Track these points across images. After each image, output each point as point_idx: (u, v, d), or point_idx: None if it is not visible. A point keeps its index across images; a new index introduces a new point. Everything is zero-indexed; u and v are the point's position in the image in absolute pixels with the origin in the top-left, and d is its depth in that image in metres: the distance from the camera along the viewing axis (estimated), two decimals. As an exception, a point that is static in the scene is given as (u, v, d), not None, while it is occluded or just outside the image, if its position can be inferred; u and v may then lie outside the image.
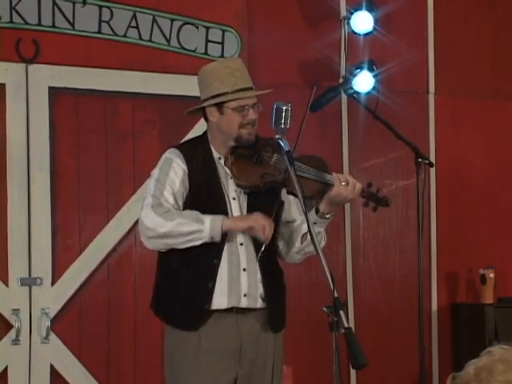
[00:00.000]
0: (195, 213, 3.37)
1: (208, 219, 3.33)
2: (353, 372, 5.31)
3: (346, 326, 2.83)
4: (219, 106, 3.44)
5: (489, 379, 1.89)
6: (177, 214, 3.37)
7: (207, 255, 3.40)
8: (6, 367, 4.58)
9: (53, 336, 4.66)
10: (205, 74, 3.50)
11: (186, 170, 3.46)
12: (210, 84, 3.45)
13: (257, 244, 3.43)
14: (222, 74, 3.44)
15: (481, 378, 1.90)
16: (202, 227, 3.33)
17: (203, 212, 3.40)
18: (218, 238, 3.35)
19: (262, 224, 3.32)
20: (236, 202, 3.48)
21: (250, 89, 3.48)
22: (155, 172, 3.49)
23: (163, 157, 3.52)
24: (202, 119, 3.64)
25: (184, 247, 3.38)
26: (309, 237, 3.24)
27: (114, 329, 4.82)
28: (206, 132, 3.59)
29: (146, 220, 3.38)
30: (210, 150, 3.52)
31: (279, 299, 3.55)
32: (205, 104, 3.48)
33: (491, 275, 5.61)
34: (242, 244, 3.45)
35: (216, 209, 3.43)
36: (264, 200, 3.44)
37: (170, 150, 3.53)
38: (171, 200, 3.42)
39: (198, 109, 3.55)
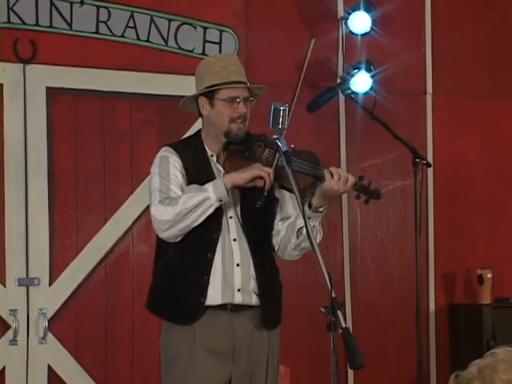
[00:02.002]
0: (196, 186, 3.40)
1: (210, 185, 3.36)
2: (350, 372, 5.31)
3: (344, 326, 2.83)
4: (210, 98, 3.46)
5: (492, 377, 1.90)
6: (179, 196, 3.39)
7: (201, 250, 3.42)
8: (4, 367, 4.58)
9: (50, 336, 4.66)
10: (200, 67, 3.54)
11: (182, 164, 3.48)
12: (203, 77, 3.48)
13: (251, 237, 3.45)
14: (216, 68, 3.47)
15: (484, 375, 1.91)
16: (207, 194, 3.34)
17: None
18: (226, 199, 3.36)
19: (266, 171, 3.33)
20: (230, 198, 3.48)
21: (243, 83, 3.49)
22: (155, 170, 3.50)
23: (158, 156, 3.53)
24: (200, 119, 3.64)
25: (199, 223, 3.38)
26: (304, 231, 3.26)
27: (112, 329, 4.82)
28: (199, 130, 3.62)
29: (157, 215, 3.40)
30: (204, 148, 3.54)
31: (273, 296, 3.54)
32: (197, 94, 3.49)
33: (489, 275, 5.61)
34: (235, 240, 3.46)
35: None
36: (257, 196, 3.44)
37: (163, 149, 3.55)
38: (179, 193, 3.43)
39: (193, 106, 3.56)
